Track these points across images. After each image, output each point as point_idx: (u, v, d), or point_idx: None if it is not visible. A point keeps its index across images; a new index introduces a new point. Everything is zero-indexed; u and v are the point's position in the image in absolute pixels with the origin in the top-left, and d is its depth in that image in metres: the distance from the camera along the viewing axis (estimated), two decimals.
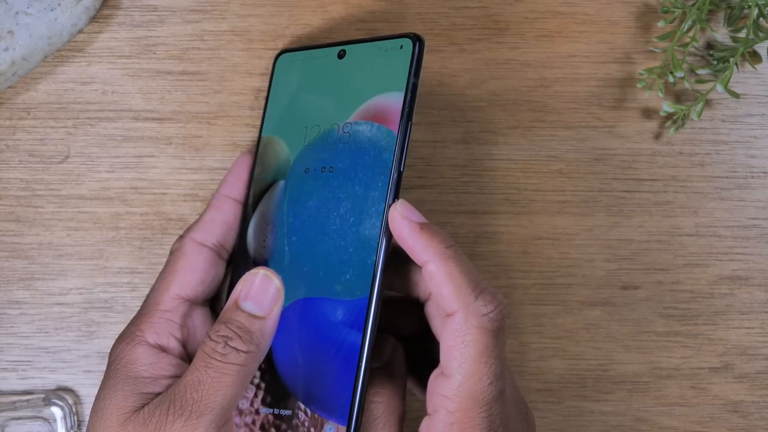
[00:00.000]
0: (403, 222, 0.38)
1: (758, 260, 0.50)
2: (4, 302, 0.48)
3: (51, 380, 0.48)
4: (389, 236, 0.39)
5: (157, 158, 0.49)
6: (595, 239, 0.49)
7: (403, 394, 0.41)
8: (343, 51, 0.43)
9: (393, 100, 0.40)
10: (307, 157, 0.42)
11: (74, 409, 0.48)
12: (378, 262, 0.39)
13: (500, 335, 0.38)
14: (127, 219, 0.48)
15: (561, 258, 0.49)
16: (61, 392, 0.48)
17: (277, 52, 0.46)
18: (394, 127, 0.39)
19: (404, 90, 0.39)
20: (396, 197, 0.39)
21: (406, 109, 0.39)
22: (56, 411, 0.47)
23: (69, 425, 0.47)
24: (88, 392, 0.48)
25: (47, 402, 0.47)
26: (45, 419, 0.48)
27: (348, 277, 0.39)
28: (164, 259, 0.48)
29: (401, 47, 0.40)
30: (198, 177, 0.49)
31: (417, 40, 0.40)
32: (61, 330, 0.48)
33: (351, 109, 0.41)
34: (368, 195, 0.39)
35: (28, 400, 0.48)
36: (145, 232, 0.48)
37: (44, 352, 0.48)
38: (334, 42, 0.44)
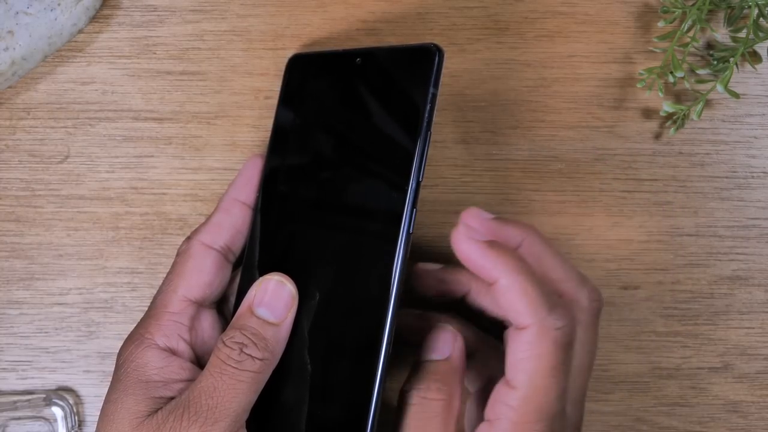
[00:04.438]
0: (470, 243, 0.38)
1: (758, 260, 0.49)
2: (4, 302, 0.48)
3: (51, 380, 0.48)
4: (408, 244, 0.38)
5: (157, 158, 0.49)
6: (595, 239, 0.49)
7: (462, 390, 0.39)
8: (361, 58, 0.42)
9: (412, 111, 0.39)
10: (321, 161, 0.42)
11: (75, 409, 0.48)
12: (396, 267, 0.38)
13: (569, 351, 0.37)
14: (127, 219, 0.48)
15: None
16: (62, 392, 0.48)
17: (291, 55, 0.45)
18: (414, 137, 0.39)
19: (424, 101, 0.39)
20: (415, 206, 0.38)
21: (426, 120, 0.39)
22: (57, 411, 0.47)
23: (70, 425, 0.47)
24: (89, 392, 0.48)
25: (48, 402, 0.47)
26: (46, 419, 0.48)
27: (365, 279, 0.39)
28: (164, 259, 0.48)
29: (421, 57, 0.39)
30: (198, 177, 0.49)
31: (437, 50, 0.39)
32: (61, 330, 0.48)
33: (367, 118, 0.41)
34: (387, 203, 0.39)
35: (28, 400, 0.48)
36: (145, 232, 0.48)
37: (44, 352, 0.48)
38: (350, 48, 0.43)
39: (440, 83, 0.39)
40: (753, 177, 0.50)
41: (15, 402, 0.47)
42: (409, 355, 0.41)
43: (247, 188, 0.43)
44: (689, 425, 0.49)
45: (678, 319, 0.49)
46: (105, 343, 0.48)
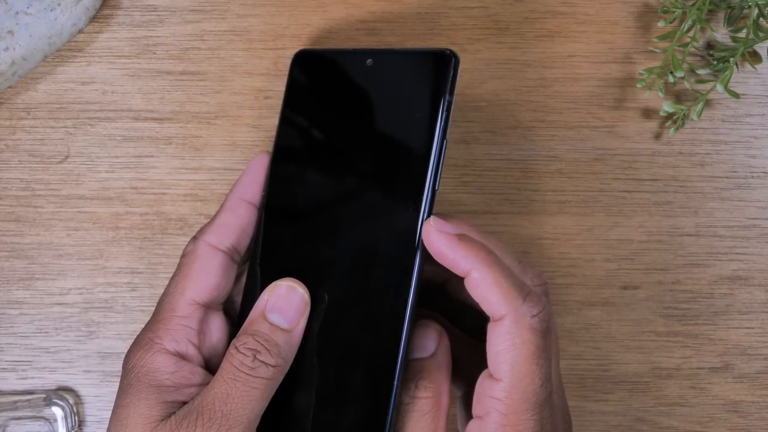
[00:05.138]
0: (440, 236, 0.38)
1: (758, 260, 0.50)
2: (4, 302, 0.48)
3: (51, 380, 0.48)
4: (424, 252, 0.38)
5: (157, 158, 0.49)
6: (595, 239, 0.49)
7: (449, 387, 0.39)
8: (372, 59, 0.40)
9: (427, 118, 0.38)
10: (328, 162, 0.40)
11: (75, 409, 0.48)
12: (412, 278, 0.37)
13: (548, 336, 0.37)
14: (127, 219, 0.49)
15: (561, 258, 0.49)
16: (62, 392, 0.48)
17: (297, 51, 0.43)
18: (429, 145, 0.38)
19: (440, 108, 0.38)
20: (430, 215, 0.38)
21: (442, 128, 0.38)
22: (57, 411, 0.47)
23: (70, 425, 0.47)
24: (89, 392, 0.48)
25: (48, 402, 0.47)
26: (46, 419, 0.48)
27: (379, 284, 0.38)
28: (164, 259, 0.48)
29: (436, 63, 0.38)
30: (198, 177, 0.49)
31: (453, 56, 0.38)
32: (61, 330, 0.48)
33: (378, 121, 0.40)
34: (401, 213, 0.38)
35: (29, 400, 0.48)
36: (145, 232, 0.48)
37: (44, 352, 0.48)
38: (360, 48, 0.42)
39: (455, 90, 0.38)
40: (753, 177, 0.50)
41: (15, 402, 0.48)
42: None
43: (252, 187, 0.42)
44: (689, 425, 0.49)
45: (678, 319, 0.49)
46: (105, 343, 0.48)
